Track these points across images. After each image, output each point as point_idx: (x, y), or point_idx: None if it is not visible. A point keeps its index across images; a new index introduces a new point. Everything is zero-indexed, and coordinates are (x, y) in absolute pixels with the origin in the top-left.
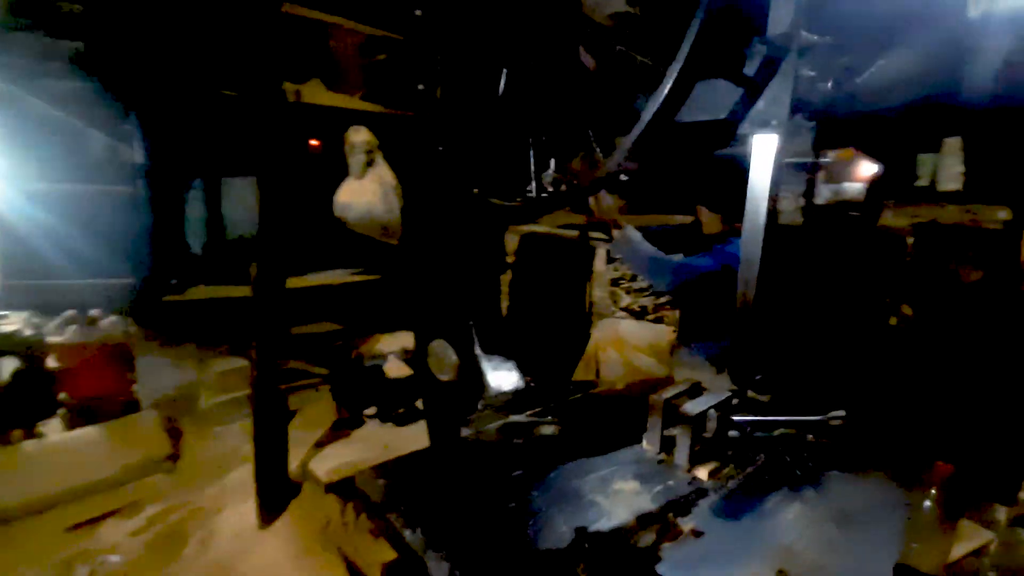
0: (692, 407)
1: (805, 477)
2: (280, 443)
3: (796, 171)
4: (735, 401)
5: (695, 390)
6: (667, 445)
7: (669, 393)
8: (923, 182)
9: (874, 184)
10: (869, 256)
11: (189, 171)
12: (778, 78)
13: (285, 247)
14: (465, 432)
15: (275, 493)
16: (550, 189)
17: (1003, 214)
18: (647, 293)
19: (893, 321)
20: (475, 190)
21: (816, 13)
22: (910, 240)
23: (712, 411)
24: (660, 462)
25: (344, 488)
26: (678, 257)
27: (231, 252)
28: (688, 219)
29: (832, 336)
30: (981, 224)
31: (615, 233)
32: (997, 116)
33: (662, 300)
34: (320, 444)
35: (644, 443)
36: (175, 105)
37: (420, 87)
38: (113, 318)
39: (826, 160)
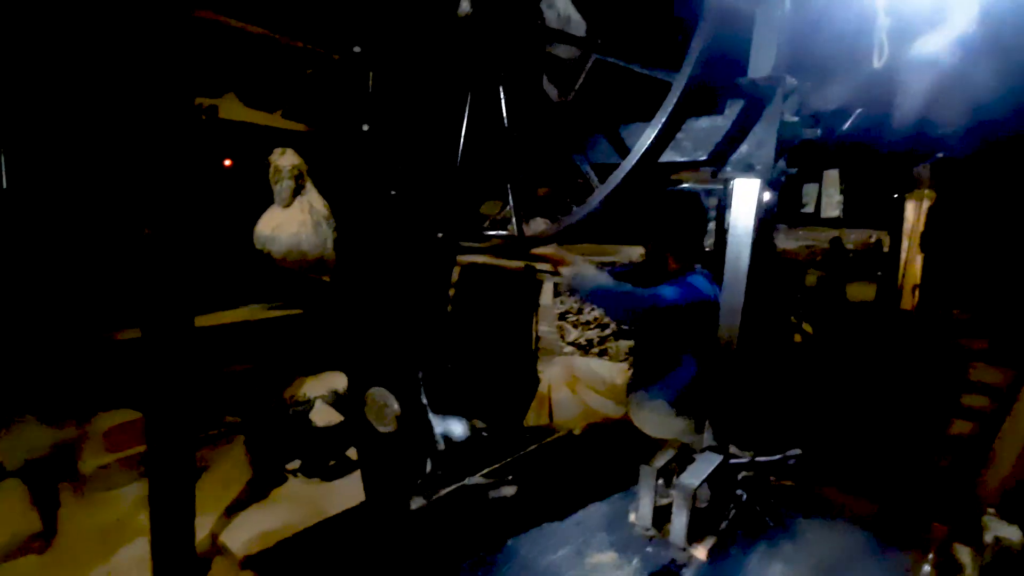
0: (689, 478)
1: (778, 527)
2: (185, 510)
3: (707, 199)
4: (728, 464)
5: (685, 455)
6: (660, 519)
7: (660, 461)
8: (808, 209)
9: (769, 211)
10: (773, 278)
11: (74, 194)
12: (762, 121)
13: (190, 280)
14: (416, 503)
15: (179, 573)
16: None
17: (878, 237)
18: (593, 326)
19: (798, 339)
20: (439, 234)
21: (799, 55)
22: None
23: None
24: (652, 537)
25: (264, 563)
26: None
27: (125, 286)
28: (637, 251)
29: (758, 361)
30: (858, 247)
31: (565, 271)
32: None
33: (607, 332)
34: (234, 508)
35: (631, 516)
36: (51, 120)
37: (356, 49)
38: None
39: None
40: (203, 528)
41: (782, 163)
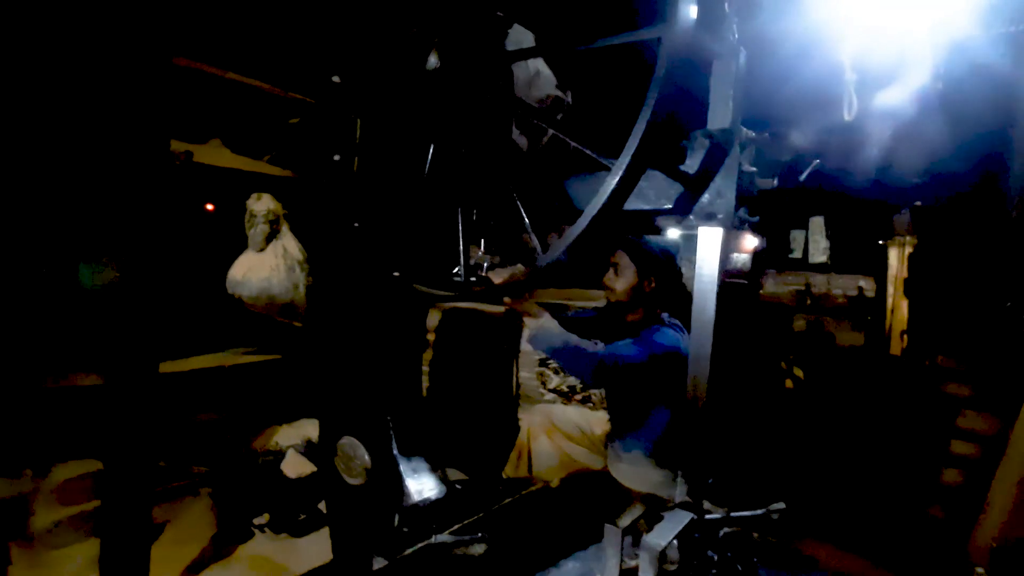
0: (656, 538)
1: None
2: (138, 571)
3: (693, 243)
4: (702, 521)
5: (653, 512)
6: None
7: (626, 520)
8: (796, 254)
9: (756, 255)
10: (761, 322)
11: (36, 233)
12: (722, 172)
13: (161, 324)
14: (379, 564)
15: None
16: (483, 271)
17: (865, 283)
18: None
19: (789, 384)
20: (402, 276)
21: (754, 107)
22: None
23: (675, 541)
24: None
25: None
26: (599, 346)
27: (89, 329)
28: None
29: (743, 409)
30: (846, 293)
31: (529, 322)
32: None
33: None
34: (194, 568)
35: None
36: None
37: (336, 157)
38: None
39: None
40: None
41: (743, 212)
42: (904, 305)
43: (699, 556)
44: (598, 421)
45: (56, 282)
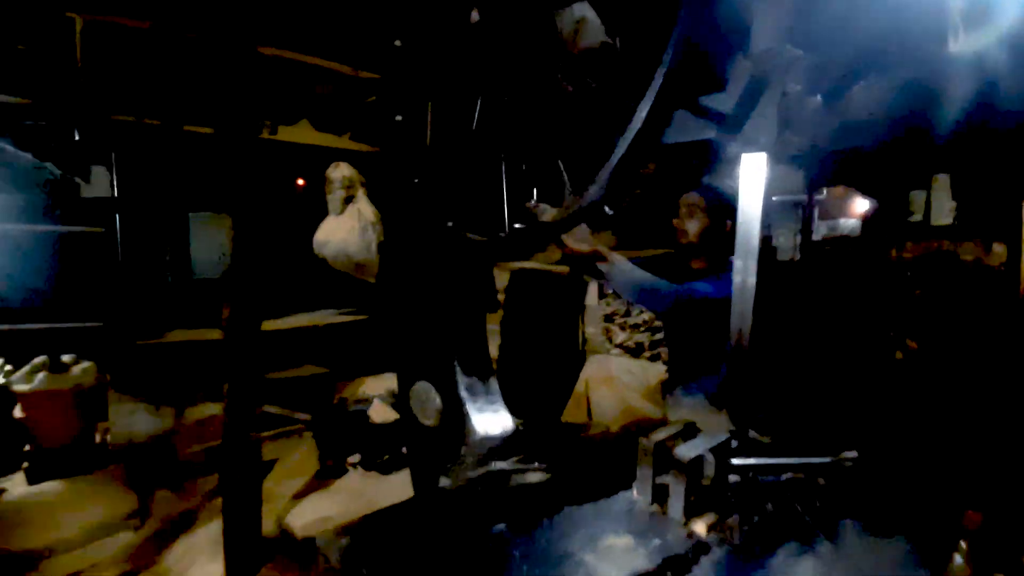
0: (685, 451)
1: (818, 528)
2: (252, 498)
3: (792, 209)
4: (735, 443)
5: (690, 431)
6: (660, 494)
7: (660, 436)
8: (917, 217)
9: (868, 220)
10: (870, 290)
11: (166, 208)
12: (765, 96)
13: (260, 287)
14: (444, 482)
15: (245, 552)
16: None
17: (997, 247)
18: (643, 329)
19: (899, 355)
20: (450, 223)
21: (800, 30)
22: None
23: (709, 455)
24: (652, 514)
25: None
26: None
27: (209, 292)
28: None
29: (836, 371)
30: (975, 258)
31: (603, 266)
32: (977, 151)
33: (658, 336)
34: (300, 496)
35: (634, 492)
36: (151, 141)
37: (398, 118)
38: (84, 364)
39: (820, 197)
40: (273, 513)
41: (793, 137)
42: None
43: (736, 475)
44: (655, 372)
45: (177, 250)
